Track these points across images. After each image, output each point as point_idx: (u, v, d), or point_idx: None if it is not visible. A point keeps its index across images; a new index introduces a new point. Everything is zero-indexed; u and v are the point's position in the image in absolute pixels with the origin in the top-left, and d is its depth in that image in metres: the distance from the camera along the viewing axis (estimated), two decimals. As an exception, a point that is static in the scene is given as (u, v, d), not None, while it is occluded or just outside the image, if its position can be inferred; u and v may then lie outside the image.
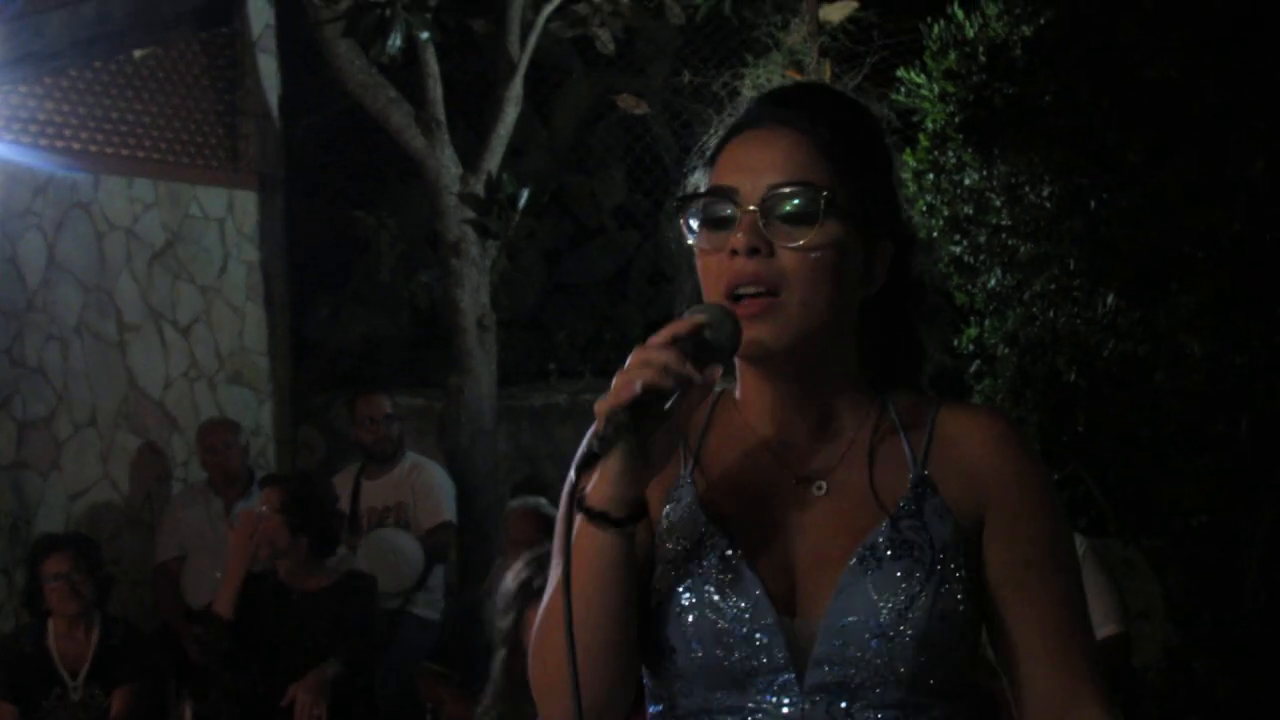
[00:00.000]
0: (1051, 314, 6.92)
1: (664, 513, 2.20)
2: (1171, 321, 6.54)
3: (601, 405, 2.03)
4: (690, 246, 2.21)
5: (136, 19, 8.93)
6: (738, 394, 2.27)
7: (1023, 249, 6.92)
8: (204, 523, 8.14)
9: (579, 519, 2.10)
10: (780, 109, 2.22)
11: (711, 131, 2.27)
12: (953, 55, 7.12)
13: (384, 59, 8.18)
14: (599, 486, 2.09)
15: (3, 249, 8.06)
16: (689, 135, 9.77)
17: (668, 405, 2.05)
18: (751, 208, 2.14)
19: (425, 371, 10.18)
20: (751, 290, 2.12)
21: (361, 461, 8.42)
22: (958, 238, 7.17)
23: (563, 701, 2.09)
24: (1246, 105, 6.40)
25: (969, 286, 7.23)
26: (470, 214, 8.47)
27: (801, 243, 2.13)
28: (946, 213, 7.18)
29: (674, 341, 2.06)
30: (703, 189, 2.23)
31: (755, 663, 2.13)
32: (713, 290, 2.16)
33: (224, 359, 9.44)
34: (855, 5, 8.77)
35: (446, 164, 8.62)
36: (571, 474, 2.09)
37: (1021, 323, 7.04)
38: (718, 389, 2.24)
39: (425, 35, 8.14)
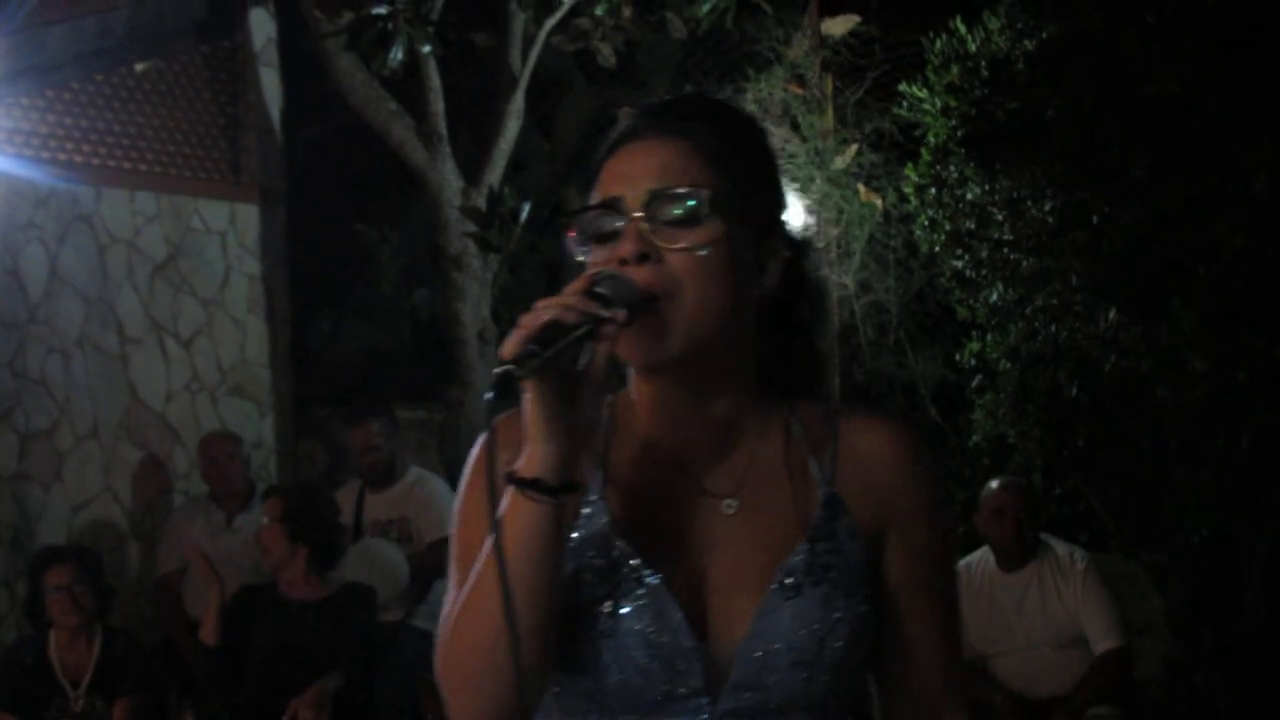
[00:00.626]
0: (1053, 328, 6.93)
1: (575, 525, 2.15)
2: (1173, 337, 6.54)
3: (511, 337, 1.98)
4: (583, 264, 2.18)
5: (138, 32, 8.93)
6: (634, 399, 2.22)
7: (1024, 263, 6.93)
8: (205, 535, 8.13)
9: (507, 494, 2.05)
10: (658, 119, 2.22)
11: (597, 153, 2.25)
12: (955, 69, 7.14)
13: (386, 72, 8.17)
14: (530, 455, 2.04)
15: (5, 262, 8.06)
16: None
17: (581, 355, 2.03)
18: (636, 214, 2.12)
19: (426, 384, 10.18)
20: (644, 296, 2.09)
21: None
22: (959, 252, 7.18)
23: (480, 684, 2.05)
24: (1249, 120, 6.41)
25: (971, 301, 7.24)
26: (472, 227, 8.46)
27: (688, 243, 2.11)
28: (948, 227, 7.20)
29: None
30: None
31: (670, 687, 2.10)
32: None
33: (225, 372, 9.44)
34: (857, 19, 8.77)
35: (448, 177, 8.62)
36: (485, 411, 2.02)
37: (1023, 337, 7.05)
38: (610, 398, 2.21)
39: (427, 49, 8.14)
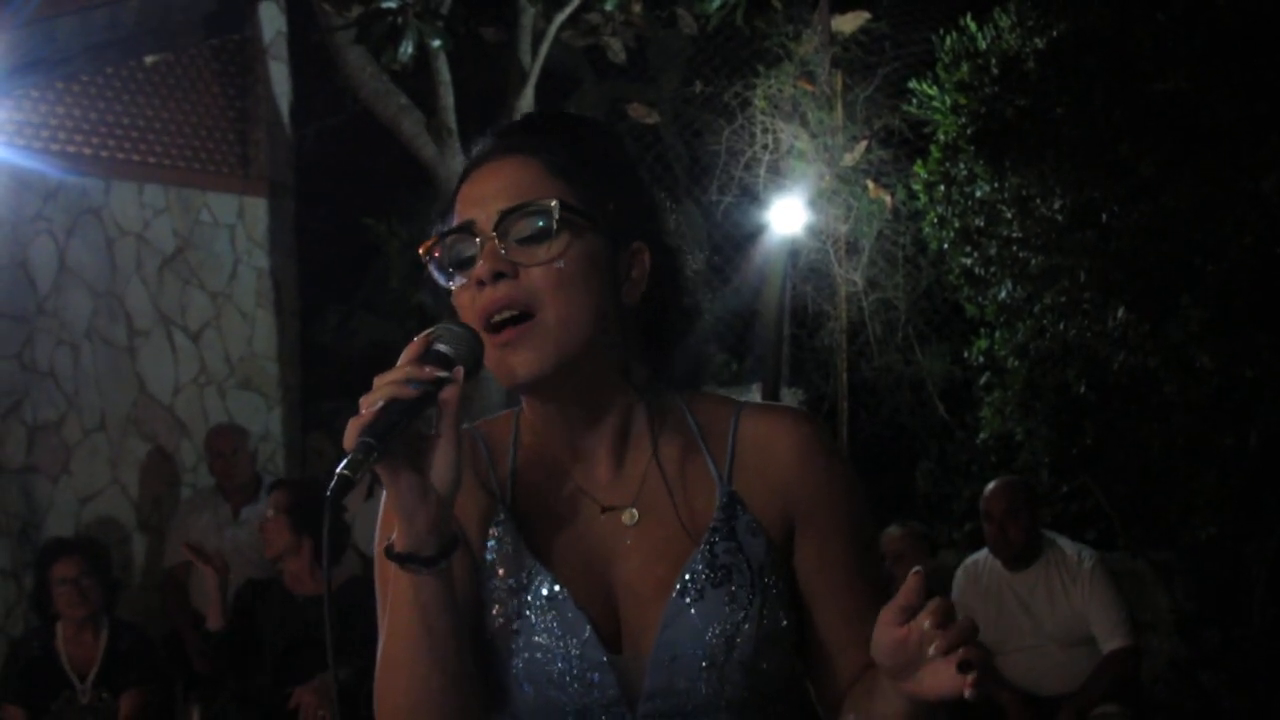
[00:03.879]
0: (1062, 326, 6.93)
1: (486, 546, 2.18)
2: (1182, 335, 6.54)
3: (349, 429, 1.99)
4: (449, 292, 2.20)
5: (148, 25, 8.93)
6: (529, 421, 2.24)
7: (1033, 261, 6.93)
8: (212, 528, 8.14)
9: (391, 569, 2.06)
10: (505, 139, 2.22)
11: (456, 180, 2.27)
12: (965, 67, 7.14)
13: (395, 66, 8.18)
14: (400, 531, 2.04)
15: (14, 254, 8.07)
16: (700, 145, 9.77)
17: (422, 418, 2.03)
18: (491, 233, 2.12)
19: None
20: (506, 315, 2.11)
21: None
22: (968, 249, 7.18)
23: None
24: (1258, 119, 6.41)
25: (979, 298, 7.24)
26: (480, 222, 8.47)
27: (542, 257, 2.11)
28: (957, 224, 7.19)
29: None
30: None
31: (588, 700, 2.12)
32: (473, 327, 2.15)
33: (234, 365, 9.44)
34: (868, 16, 8.77)
35: (457, 171, 8.61)
36: (326, 507, 2.01)
37: (1031, 335, 7.05)
38: (516, 409, 2.25)
39: (437, 43, 8.14)
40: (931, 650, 1.92)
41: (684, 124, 10.38)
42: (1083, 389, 6.91)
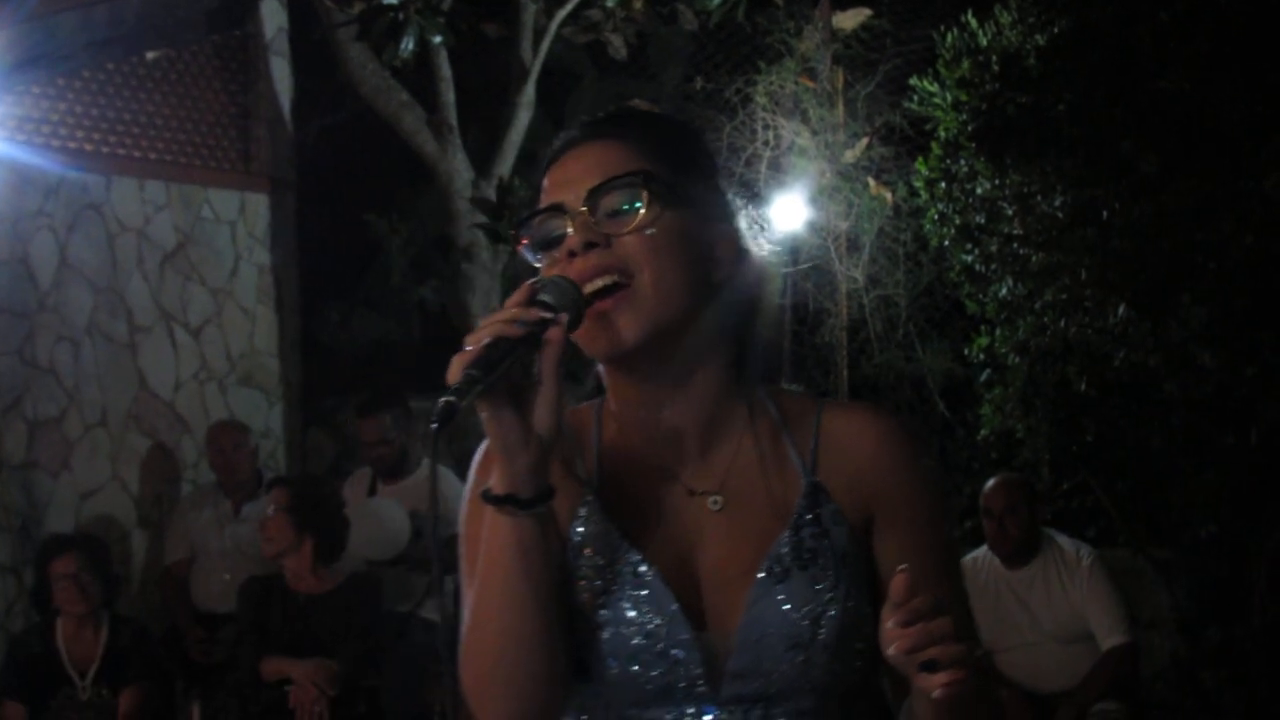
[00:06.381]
0: (1062, 324, 6.93)
1: (572, 526, 2.20)
2: (1182, 332, 6.54)
3: (454, 363, 2.01)
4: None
5: (149, 21, 8.93)
6: (613, 408, 2.26)
7: (1034, 258, 6.93)
8: (213, 525, 8.15)
9: (488, 515, 2.09)
10: (590, 127, 2.26)
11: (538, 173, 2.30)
12: (966, 64, 7.14)
13: (396, 63, 8.17)
14: (499, 472, 2.08)
15: (14, 250, 8.07)
16: (701, 142, 9.75)
17: (521, 366, 2.05)
18: (581, 208, 2.15)
19: (435, 375, 10.14)
20: (600, 283, 2.12)
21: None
22: (969, 246, 7.18)
23: (499, 701, 2.11)
24: (1259, 117, 6.41)
25: (980, 295, 7.24)
26: (481, 218, 8.47)
27: (634, 224, 2.14)
28: (958, 221, 7.19)
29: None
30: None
31: (671, 677, 2.13)
32: None
33: (234, 361, 9.44)
34: (869, 13, 8.77)
35: (458, 168, 8.63)
36: (432, 427, 2.01)
37: (1032, 332, 7.05)
38: (596, 401, 2.27)
39: (438, 39, 8.14)
40: (892, 651, 1.96)
41: (685, 120, 10.39)
42: (1083, 386, 6.91)
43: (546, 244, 2.18)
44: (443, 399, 1.98)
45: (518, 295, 2.08)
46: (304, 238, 10.04)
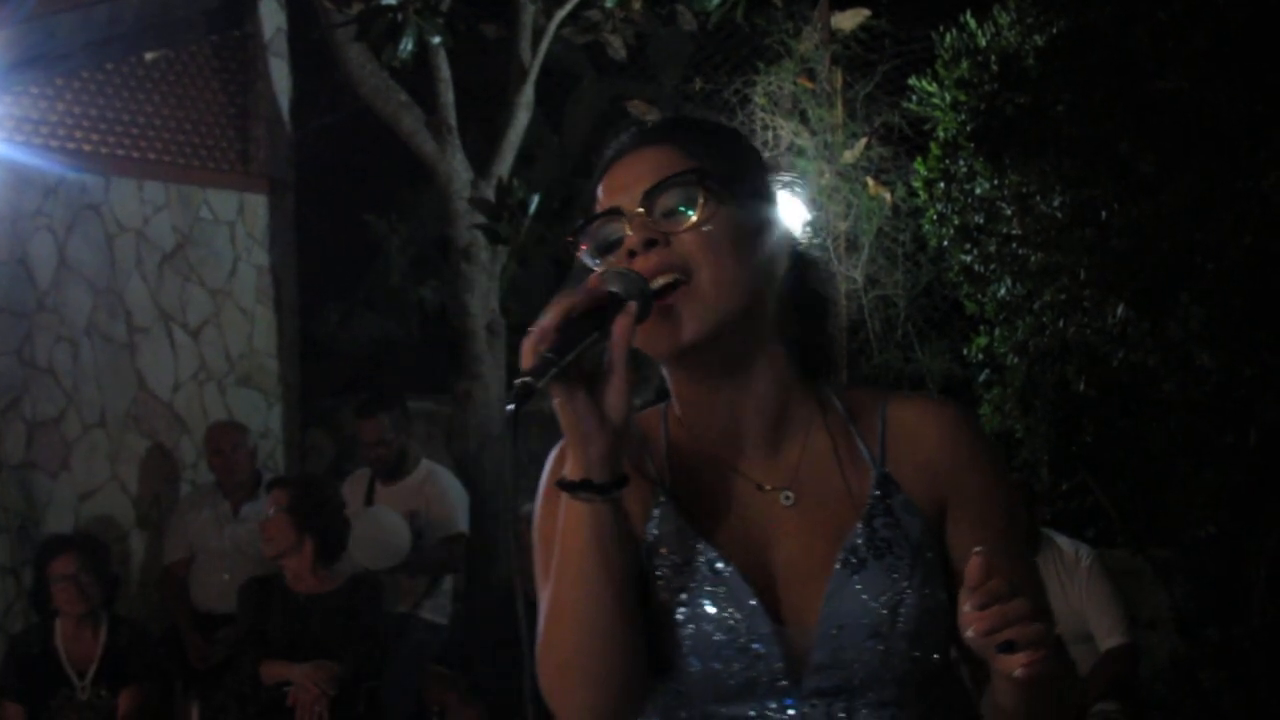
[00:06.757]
0: (1061, 324, 6.92)
1: (647, 527, 2.21)
2: (1181, 333, 6.54)
3: (525, 347, 2.02)
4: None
5: (148, 21, 8.93)
6: (678, 411, 2.28)
7: (1033, 258, 6.92)
8: (211, 525, 8.15)
9: (563, 504, 2.10)
10: (641, 134, 2.28)
11: (590, 181, 2.32)
12: (965, 64, 7.13)
13: (395, 63, 8.18)
14: (574, 459, 2.09)
15: (13, 250, 8.07)
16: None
17: (590, 356, 2.06)
18: (637, 210, 2.17)
19: (434, 376, 10.19)
20: (661, 280, 2.14)
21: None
22: (968, 247, 7.17)
23: (577, 694, 2.11)
24: (1258, 117, 6.40)
25: (979, 295, 7.23)
26: (481, 219, 8.47)
27: (692, 221, 2.16)
28: (957, 222, 7.19)
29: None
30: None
31: (753, 673, 2.14)
32: None
33: (233, 361, 9.44)
34: (868, 13, 8.76)
35: (457, 169, 8.63)
36: (509, 408, 2.02)
37: (1031, 332, 7.04)
38: (661, 405, 2.28)
39: (437, 40, 8.14)
40: (970, 633, 1.98)
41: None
42: (1082, 386, 6.91)
43: (605, 248, 2.20)
44: (519, 380, 1.99)
45: (587, 283, 2.10)
46: (303, 238, 10.04)
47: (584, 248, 2.22)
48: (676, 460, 2.26)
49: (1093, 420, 6.99)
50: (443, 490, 8.16)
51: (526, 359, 2.01)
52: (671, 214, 2.17)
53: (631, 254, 2.15)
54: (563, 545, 2.10)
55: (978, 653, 2.02)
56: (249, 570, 7.34)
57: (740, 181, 2.22)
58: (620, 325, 2.07)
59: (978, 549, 2.00)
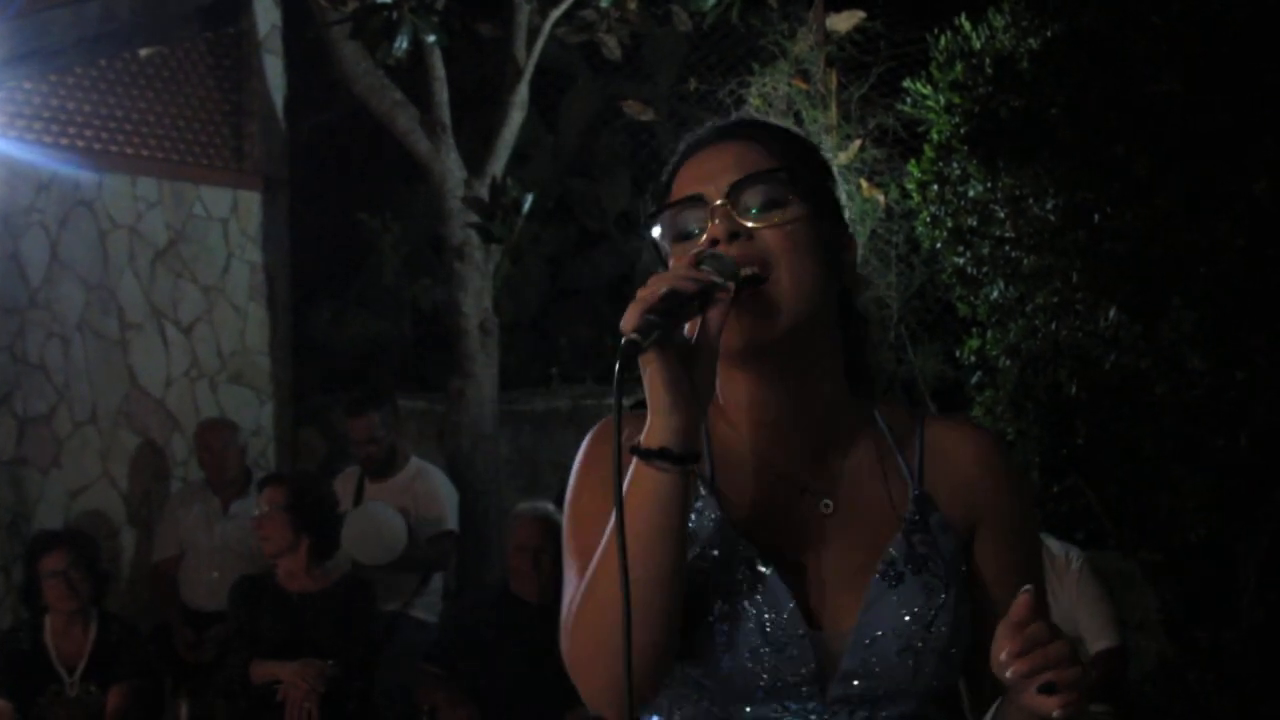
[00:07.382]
0: (1053, 327, 6.92)
1: (689, 522, 2.18)
2: (1173, 336, 6.54)
3: (630, 311, 2.03)
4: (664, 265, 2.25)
5: (143, 17, 8.93)
6: (725, 406, 2.28)
7: (1026, 261, 6.92)
8: (201, 522, 8.15)
9: (632, 466, 2.08)
10: (722, 130, 2.30)
11: (663, 173, 2.33)
12: (959, 66, 7.13)
13: (390, 61, 8.18)
14: (654, 426, 2.08)
15: (5, 246, 8.07)
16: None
17: (700, 323, 2.08)
18: (719, 202, 2.18)
19: (427, 374, 10.20)
20: (746, 272, 2.14)
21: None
22: (961, 249, 7.17)
23: (613, 668, 2.05)
24: (1251, 121, 6.41)
25: (971, 298, 7.23)
26: (474, 218, 8.47)
27: (777, 219, 2.18)
28: (950, 224, 7.18)
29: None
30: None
31: (783, 674, 2.15)
32: None
33: (225, 359, 9.44)
34: (862, 15, 8.77)
35: (451, 168, 8.63)
36: (616, 367, 2.02)
37: (1023, 335, 7.04)
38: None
39: (432, 38, 8.14)
40: (1009, 674, 1.99)
41: (679, 121, 10.36)
42: (1074, 389, 6.90)
43: (682, 235, 2.22)
44: (625, 339, 2.00)
45: (684, 261, 2.12)
46: (296, 236, 10.03)
47: (657, 230, 2.24)
48: (719, 456, 2.26)
49: (1084, 423, 6.98)
50: (432, 488, 8.17)
51: (630, 320, 2.01)
52: (756, 209, 2.18)
53: (714, 243, 2.16)
54: (629, 515, 2.04)
55: (1008, 685, 2.04)
56: (238, 568, 7.34)
57: (820, 189, 2.25)
58: (718, 305, 2.08)
59: (1026, 588, 2.03)
